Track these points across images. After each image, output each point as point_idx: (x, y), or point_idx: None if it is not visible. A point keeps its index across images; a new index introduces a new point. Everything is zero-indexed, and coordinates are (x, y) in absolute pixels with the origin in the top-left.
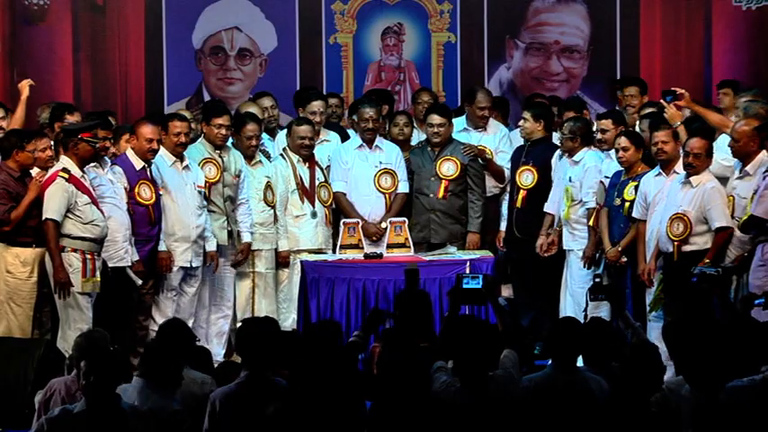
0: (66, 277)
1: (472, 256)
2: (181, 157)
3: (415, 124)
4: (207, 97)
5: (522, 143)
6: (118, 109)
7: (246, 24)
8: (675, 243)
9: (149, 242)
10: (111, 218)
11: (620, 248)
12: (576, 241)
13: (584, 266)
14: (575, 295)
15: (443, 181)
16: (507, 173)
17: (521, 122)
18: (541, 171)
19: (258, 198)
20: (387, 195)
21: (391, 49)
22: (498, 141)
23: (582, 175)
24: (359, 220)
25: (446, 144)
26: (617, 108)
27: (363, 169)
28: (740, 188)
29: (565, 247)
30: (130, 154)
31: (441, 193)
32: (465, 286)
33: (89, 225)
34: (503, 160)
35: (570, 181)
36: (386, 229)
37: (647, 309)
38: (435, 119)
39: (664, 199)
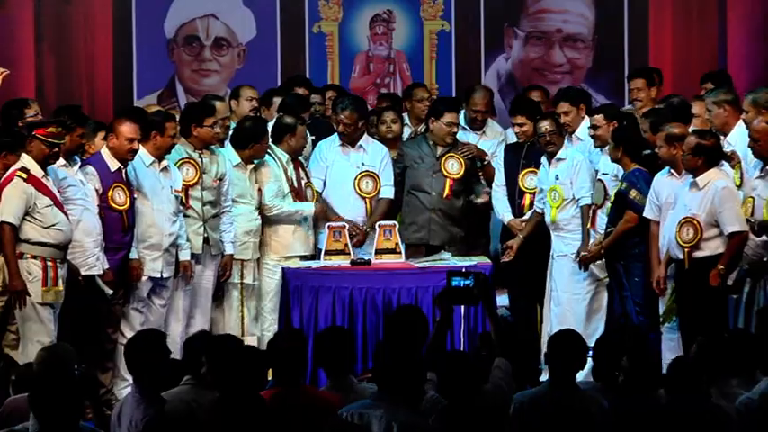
0: (21, 285)
1: (468, 263)
2: (160, 158)
3: (407, 121)
4: (180, 91)
5: (515, 141)
6: (83, 103)
7: (223, 12)
8: (686, 249)
9: (121, 250)
10: (82, 222)
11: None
12: (567, 245)
13: (580, 269)
14: (562, 304)
15: (449, 179)
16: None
17: (516, 129)
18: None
19: (254, 205)
20: (367, 200)
21: (380, 39)
22: (496, 146)
23: (572, 171)
24: (345, 224)
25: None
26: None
27: (343, 169)
28: (761, 188)
29: (555, 253)
30: (105, 154)
31: (446, 192)
32: (455, 284)
33: (50, 229)
34: (496, 164)
35: (557, 179)
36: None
37: (660, 320)
38: (456, 117)
39: (675, 202)
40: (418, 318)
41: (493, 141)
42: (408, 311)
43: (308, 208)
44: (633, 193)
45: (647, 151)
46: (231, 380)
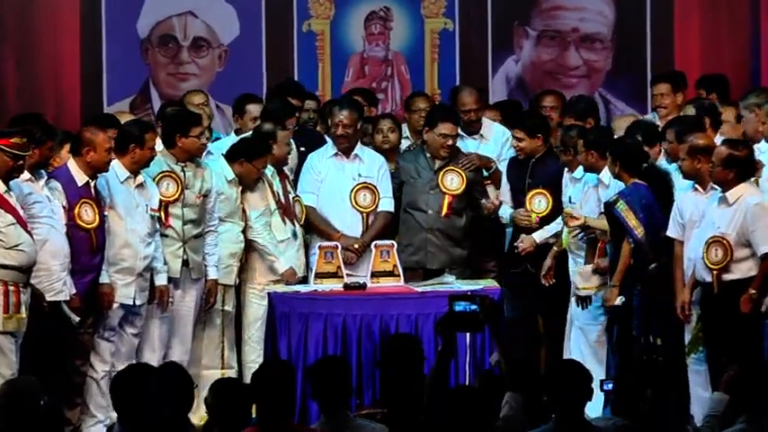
0: None
1: (474, 287)
2: (135, 173)
3: (407, 134)
4: (155, 96)
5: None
6: (49, 110)
7: (202, 9)
8: (714, 272)
9: (89, 273)
10: (48, 242)
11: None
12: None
13: (578, 305)
14: (581, 333)
15: (447, 196)
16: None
17: (514, 143)
18: (554, 192)
19: (242, 226)
20: (365, 215)
21: (376, 39)
22: (501, 148)
23: (582, 195)
24: (338, 244)
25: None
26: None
27: (338, 182)
28: None
29: (572, 279)
30: (72, 167)
31: (444, 210)
32: (458, 310)
33: (13, 250)
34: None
35: (570, 201)
36: (362, 249)
37: (686, 350)
38: (452, 128)
39: (700, 220)
40: (412, 347)
41: (495, 144)
42: (401, 341)
43: (281, 263)
44: (620, 205)
45: (670, 162)
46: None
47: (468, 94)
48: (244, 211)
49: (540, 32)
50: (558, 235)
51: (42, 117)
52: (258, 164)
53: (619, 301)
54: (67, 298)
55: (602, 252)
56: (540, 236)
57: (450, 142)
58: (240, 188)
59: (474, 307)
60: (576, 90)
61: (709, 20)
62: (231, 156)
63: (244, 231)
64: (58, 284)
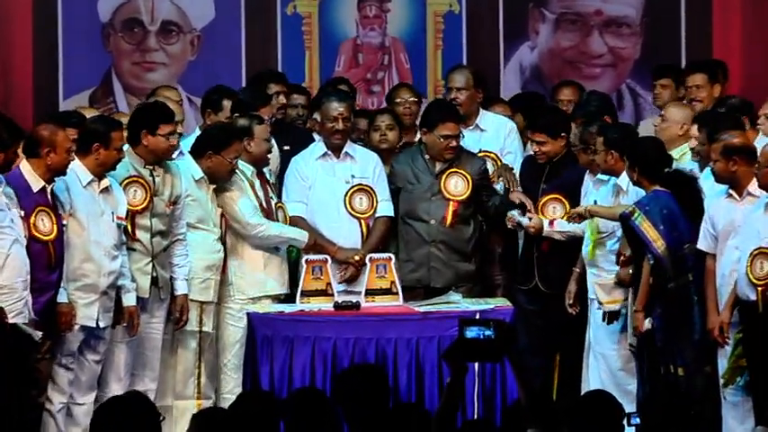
0: None
1: (484, 306)
2: (100, 177)
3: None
4: (118, 88)
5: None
6: None
7: None
8: (759, 288)
9: (46, 291)
10: (10, 256)
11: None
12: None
13: (602, 320)
14: (602, 359)
15: (451, 202)
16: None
17: (534, 147)
18: (572, 199)
19: (217, 234)
20: (363, 222)
21: (371, 23)
22: (504, 140)
23: (612, 199)
24: (327, 258)
25: None
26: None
27: (329, 186)
28: None
29: (590, 296)
30: (26, 170)
31: (449, 219)
32: (471, 336)
33: None
34: (512, 163)
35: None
36: (363, 266)
37: (721, 381)
38: (454, 128)
39: (737, 230)
40: (374, 380)
41: (496, 135)
42: (359, 374)
43: (302, 237)
44: (637, 217)
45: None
46: None
47: (457, 71)
48: (223, 216)
49: (558, 15)
50: (577, 237)
51: (6, 116)
52: (228, 154)
53: (648, 324)
54: (29, 319)
55: (627, 262)
56: (549, 227)
57: (453, 143)
58: (212, 187)
59: (489, 333)
60: (600, 81)
61: (751, 1)
62: (197, 151)
63: (222, 239)
64: (19, 304)
